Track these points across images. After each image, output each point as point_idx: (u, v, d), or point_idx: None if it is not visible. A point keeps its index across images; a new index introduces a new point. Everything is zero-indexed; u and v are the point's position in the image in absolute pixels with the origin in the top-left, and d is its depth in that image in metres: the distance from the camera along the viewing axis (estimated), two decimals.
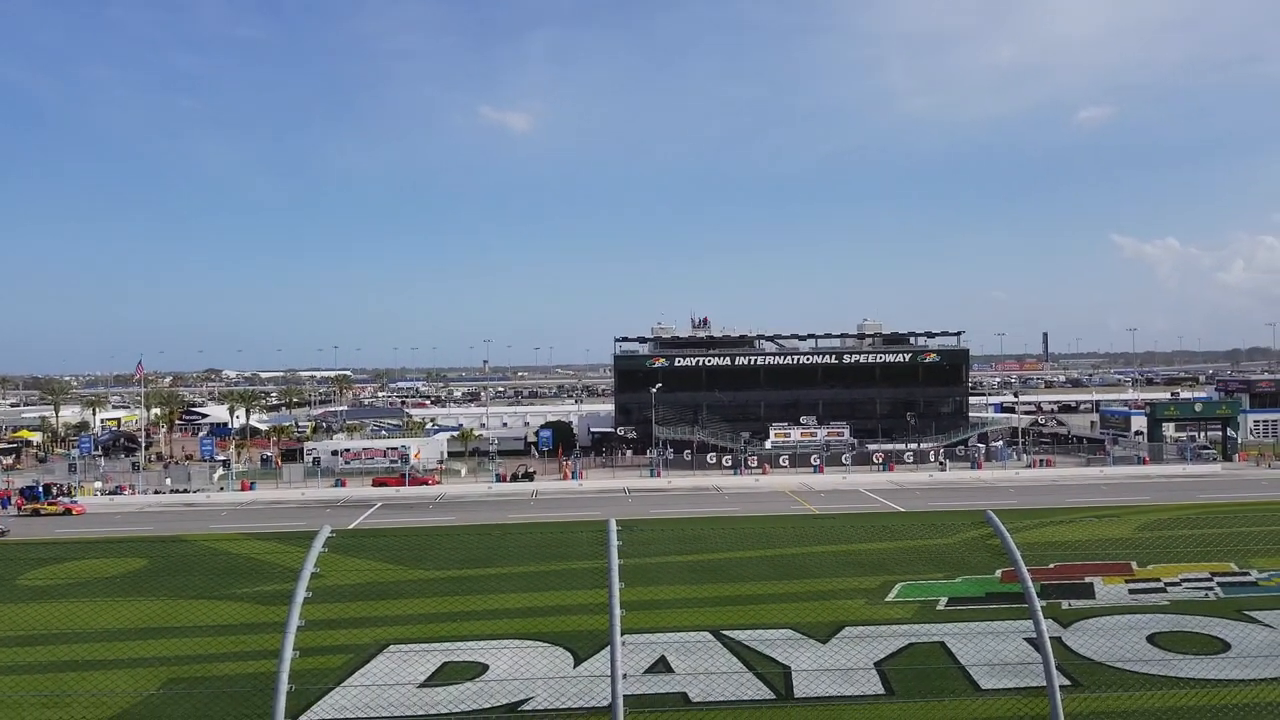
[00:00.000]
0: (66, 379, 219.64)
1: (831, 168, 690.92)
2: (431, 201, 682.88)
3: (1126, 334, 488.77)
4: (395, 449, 78.96)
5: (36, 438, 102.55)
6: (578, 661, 23.94)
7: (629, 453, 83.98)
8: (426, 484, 69.87)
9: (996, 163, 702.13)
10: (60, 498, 61.50)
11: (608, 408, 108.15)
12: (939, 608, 28.63)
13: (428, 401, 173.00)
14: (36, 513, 57.71)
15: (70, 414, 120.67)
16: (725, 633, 25.64)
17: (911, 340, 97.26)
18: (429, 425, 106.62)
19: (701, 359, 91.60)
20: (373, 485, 69.48)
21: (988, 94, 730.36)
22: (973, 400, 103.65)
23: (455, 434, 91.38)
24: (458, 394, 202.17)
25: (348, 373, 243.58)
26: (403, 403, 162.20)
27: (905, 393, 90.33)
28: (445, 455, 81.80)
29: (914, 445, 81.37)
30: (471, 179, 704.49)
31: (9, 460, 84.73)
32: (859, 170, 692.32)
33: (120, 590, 33.71)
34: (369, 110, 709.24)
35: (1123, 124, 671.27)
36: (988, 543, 30.64)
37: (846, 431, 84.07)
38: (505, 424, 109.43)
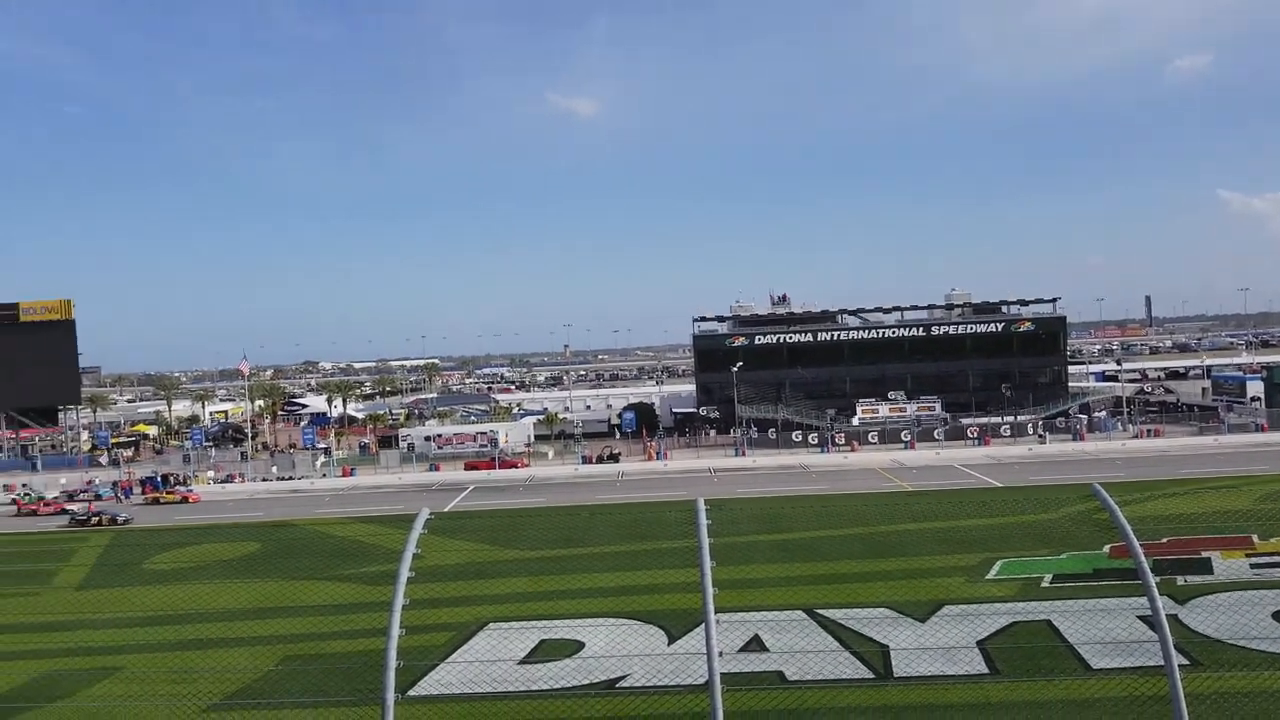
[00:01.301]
0: (177, 375, 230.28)
1: (907, 134, 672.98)
2: (506, 191, 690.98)
3: (1237, 295, 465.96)
4: (484, 433, 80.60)
5: (152, 431, 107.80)
6: (671, 640, 24.16)
7: (712, 433, 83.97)
8: (515, 467, 71.17)
9: (1082, 122, 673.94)
10: (177, 486, 64.65)
11: (689, 388, 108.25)
12: (1043, 585, 27.94)
13: (512, 387, 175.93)
14: (156, 501, 60.80)
15: (182, 408, 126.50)
16: (819, 611, 25.51)
17: (1003, 309, 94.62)
18: (515, 410, 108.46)
19: (782, 336, 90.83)
20: (465, 469, 71.11)
21: (1072, 49, 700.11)
22: (1072, 369, 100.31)
23: (540, 418, 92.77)
24: (540, 378, 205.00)
25: (435, 361, 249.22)
26: (489, 388, 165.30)
27: (999, 364, 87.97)
28: (532, 438, 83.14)
29: (1010, 418, 79.25)
30: (543, 166, 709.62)
31: (129, 453, 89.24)
32: (936, 136, 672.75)
33: (236, 573, 35.36)
34: (438, 103, 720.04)
35: (1223, 71, 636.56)
36: (1094, 517, 29.81)
37: (938, 406, 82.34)
38: (588, 407, 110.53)
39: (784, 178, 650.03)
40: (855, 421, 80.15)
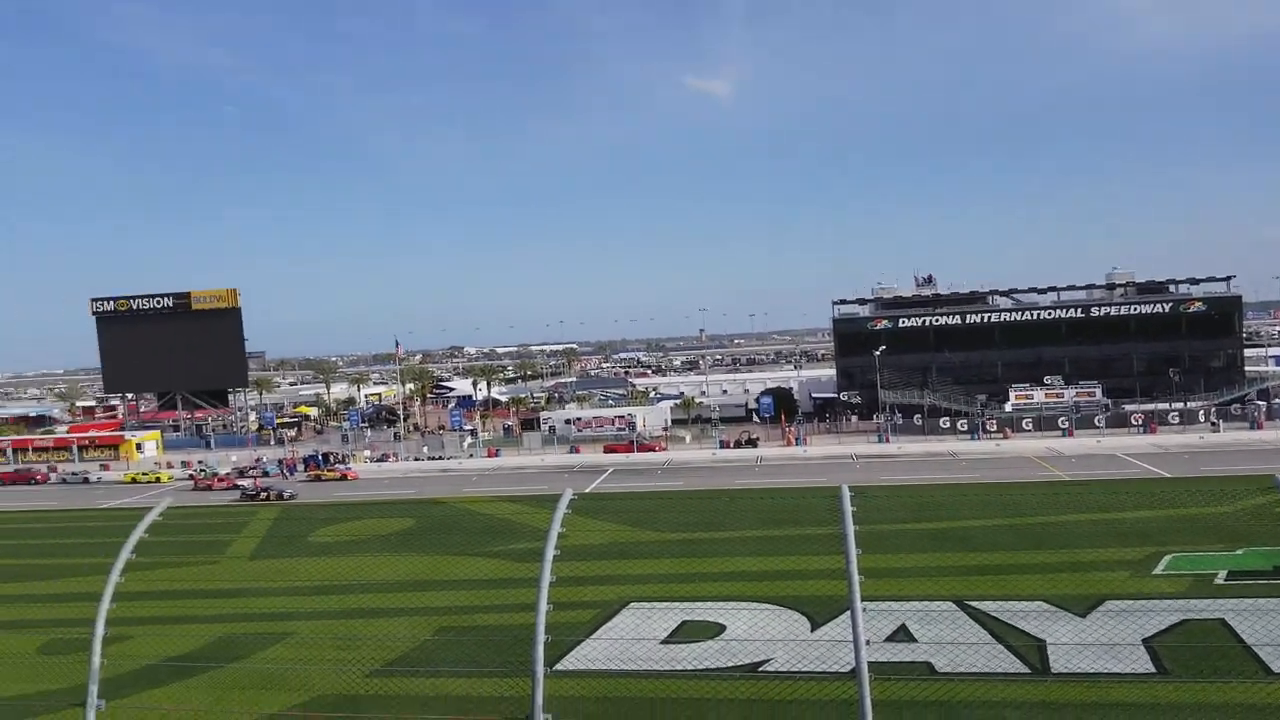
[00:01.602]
0: (334, 360, 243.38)
1: (1059, 104, 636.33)
2: (644, 176, 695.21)
3: None
4: (622, 417, 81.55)
5: (313, 412, 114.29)
6: (814, 626, 23.86)
7: (854, 418, 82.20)
8: (653, 450, 71.74)
9: (1256, 83, 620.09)
10: (336, 465, 68.35)
11: (828, 373, 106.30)
12: (1217, 582, 26.08)
13: (649, 371, 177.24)
14: (318, 478, 64.53)
15: (339, 391, 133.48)
16: (970, 603, 24.64)
17: (1171, 289, 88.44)
18: (651, 394, 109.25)
19: (928, 318, 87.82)
20: (604, 452, 72.23)
21: (1241, 6, 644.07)
22: (1249, 353, 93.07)
23: (677, 402, 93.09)
24: (677, 363, 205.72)
25: (574, 346, 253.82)
26: (625, 373, 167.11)
27: (1166, 347, 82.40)
28: (669, 422, 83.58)
29: (1179, 404, 74.20)
30: (680, 149, 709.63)
31: (292, 433, 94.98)
32: (1089, 106, 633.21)
33: (393, 547, 37.10)
34: (580, 91, 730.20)
35: None
36: (1277, 510, 27.58)
37: (1098, 391, 77.89)
38: (725, 391, 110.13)
39: (925, 154, 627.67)
40: (1008, 408, 76.79)
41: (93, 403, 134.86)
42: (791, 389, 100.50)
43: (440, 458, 73.33)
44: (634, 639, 23.60)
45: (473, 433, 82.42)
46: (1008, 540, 32.89)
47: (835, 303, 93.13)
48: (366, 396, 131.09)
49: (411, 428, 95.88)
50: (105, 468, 76.60)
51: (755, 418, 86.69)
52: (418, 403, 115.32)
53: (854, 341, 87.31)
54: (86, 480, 71.18)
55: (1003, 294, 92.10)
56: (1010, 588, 26.19)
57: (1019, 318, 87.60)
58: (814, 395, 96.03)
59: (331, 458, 71.21)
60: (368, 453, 75.33)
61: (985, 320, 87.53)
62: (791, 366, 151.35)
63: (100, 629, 11.83)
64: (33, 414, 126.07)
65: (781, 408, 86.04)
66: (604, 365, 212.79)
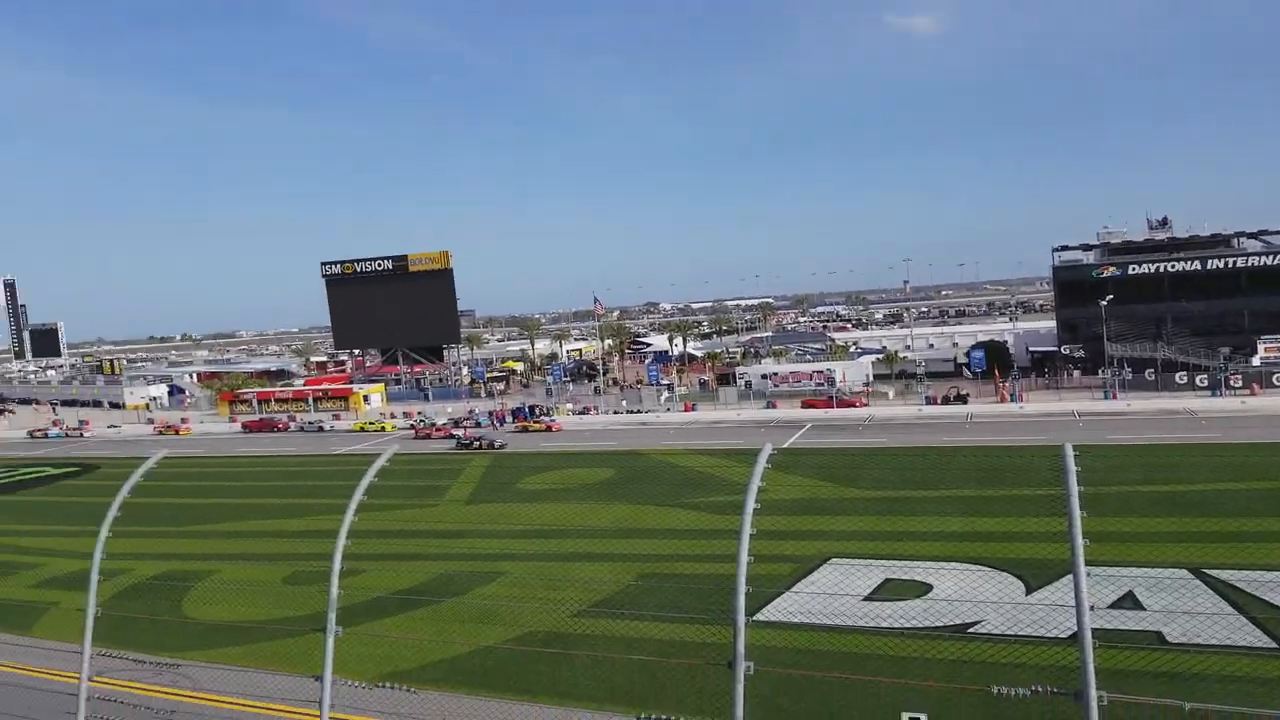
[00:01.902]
0: (537, 317, 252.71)
1: None
2: (843, 122, 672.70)
3: None
4: (821, 372, 80.00)
5: (519, 367, 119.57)
6: (1029, 589, 22.67)
7: (1075, 373, 76.67)
8: (854, 406, 70.03)
9: None
10: (542, 416, 71.28)
11: (1047, 324, 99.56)
12: None
13: (848, 325, 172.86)
14: (525, 429, 67.57)
15: (543, 346, 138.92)
16: (1208, 571, 22.58)
17: None
18: (852, 348, 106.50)
19: (1162, 264, 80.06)
20: (801, 407, 71.24)
21: None
22: None
23: (879, 356, 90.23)
24: (878, 316, 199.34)
25: (770, 300, 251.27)
26: (824, 327, 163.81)
27: None
28: (870, 378, 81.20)
29: None
30: (881, 92, 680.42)
31: (500, 386, 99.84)
32: None
33: (596, 496, 38.32)
34: (771, 42, 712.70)
35: None
36: None
37: None
38: (931, 345, 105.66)
39: (1151, 87, 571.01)
40: (1255, 361, 69.19)
41: (324, 359, 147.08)
42: (1005, 342, 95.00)
43: (638, 411, 74.85)
44: (834, 594, 23.25)
45: (669, 387, 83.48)
46: (1254, 506, 29.75)
47: (1056, 249, 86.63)
48: (568, 352, 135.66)
49: (610, 382, 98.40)
50: (337, 417, 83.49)
51: (965, 373, 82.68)
52: (616, 358, 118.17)
53: (1077, 290, 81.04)
54: (321, 429, 77.96)
55: (1250, 236, 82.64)
56: (1255, 556, 23.79)
57: (1270, 261, 78.30)
58: (1031, 349, 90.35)
59: (537, 410, 74.23)
60: (570, 406, 77.99)
61: (1230, 265, 78.80)
62: (1005, 318, 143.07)
63: (337, 563, 12.83)
64: (274, 369, 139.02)
65: (994, 362, 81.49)
66: (801, 319, 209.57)
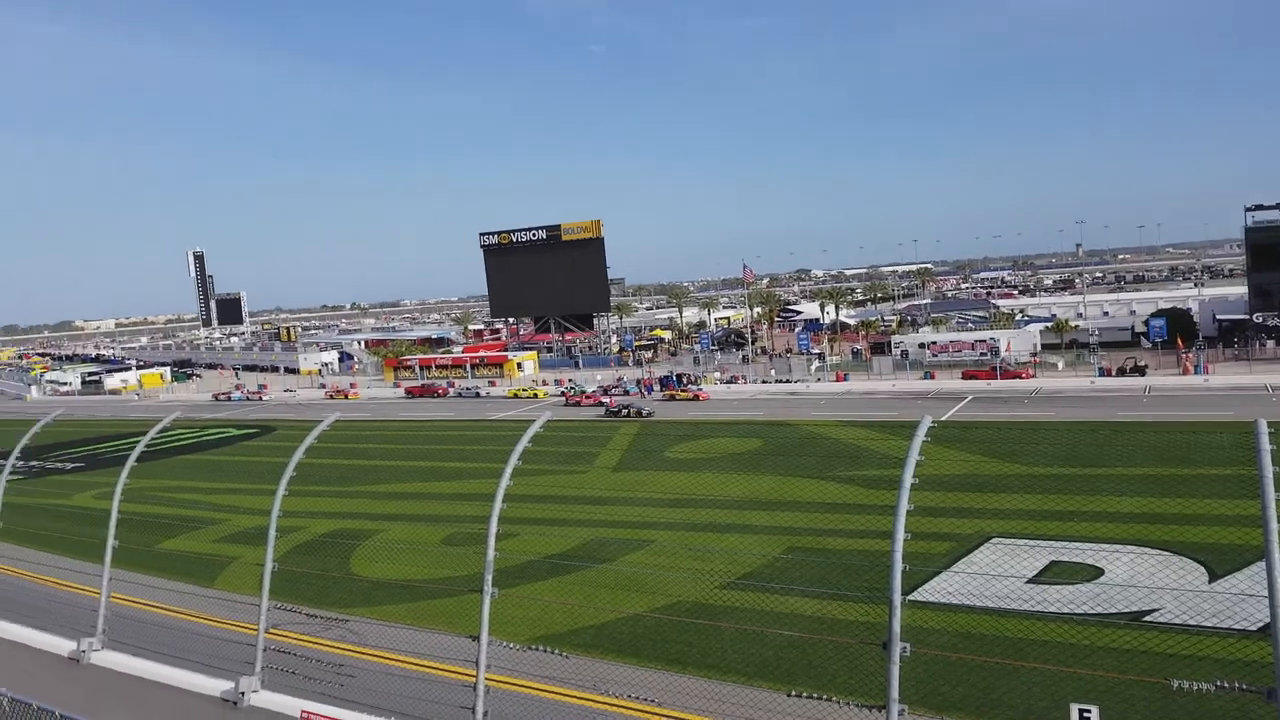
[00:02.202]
0: (686, 285, 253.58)
1: None
2: (1007, 75, 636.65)
3: None
4: (983, 341, 76.47)
5: (667, 335, 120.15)
6: (1213, 577, 20.99)
7: (1269, 343, 70.23)
8: (1019, 377, 66.56)
9: None
10: (689, 385, 71.34)
11: (1237, 290, 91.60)
12: None
13: (1014, 291, 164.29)
14: (672, 398, 67.81)
15: (690, 315, 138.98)
16: None
17: None
18: (1018, 316, 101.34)
19: None
20: (962, 378, 68.33)
21: None
22: None
23: (1048, 325, 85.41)
24: (1047, 282, 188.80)
25: (928, 266, 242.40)
26: (987, 294, 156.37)
27: None
28: (1038, 347, 76.94)
29: None
30: (1048, 42, 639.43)
31: (648, 354, 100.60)
32: None
33: (743, 466, 37.97)
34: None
35: None
36: None
37: None
38: (1106, 313, 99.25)
39: None
40: None
41: (481, 326, 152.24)
42: (1190, 310, 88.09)
43: (787, 381, 73.74)
44: (996, 575, 22.15)
45: (820, 356, 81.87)
46: None
47: (1249, 209, 79.26)
48: (716, 320, 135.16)
49: (759, 350, 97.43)
50: (492, 384, 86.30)
51: (1143, 342, 77.18)
52: (765, 326, 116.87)
53: (1272, 253, 74.02)
54: (478, 394, 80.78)
55: None
56: None
57: None
58: (1219, 317, 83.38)
59: (684, 379, 74.34)
60: (717, 374, 77.70)
61: None
62: (1190, 284, 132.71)
63: (494, 526, 13.09)
64: (434, 336, 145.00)
65: (1176, 331, 75.68)
66: (962, 286, 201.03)
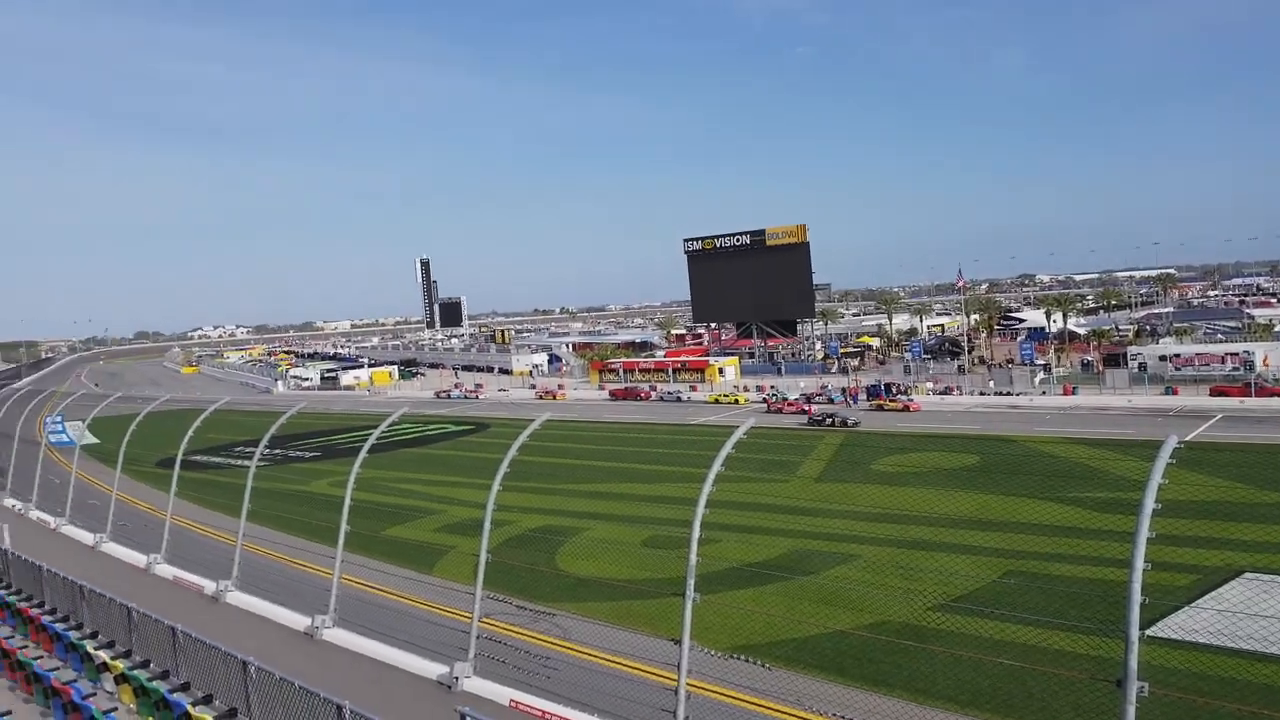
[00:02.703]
0: (896, 290, 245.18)
1: None
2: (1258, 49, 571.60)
3: None
4: (1236, 354, 68.94)
5: (875, 343, 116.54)
6: None
7: None
8: (1278, 395, 59.51)
9: None
10: (898, 395, 68.72)
11: None
12: None
13: (1273, 300, 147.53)
14: (880, 408, 65.58)
15: (900, 321, 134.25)
16: None
17: None
18: (1277, 328, 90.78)
19: None
20: (1210, 394, 61.89)
21: None
22: None
23: None
24: None
25: (1170, 271, 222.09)
26: (1240, 302, 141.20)
27: None
28: None
29: None
30: None
31: (855, 362, 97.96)
32: None
33: (956, 483, 36.03)
34: None
35: None
36: None
37: None
38: None
39: None
40: None
41: (683, 331, 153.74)
42: None
43: (1007, 393, 69.50)
44: (1249, 615, 19.80)
45: (1045, 367, 76.68)
46: None
47: None
48: (929, 327, 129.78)
49: (976, 360, 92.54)
50: (693, 388, 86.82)
51: None
52: (983, 334, 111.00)
53: None
54: (679, 399, 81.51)
55: None
56: None
57: None
58: None
59: (893, 388, 71.74)
60: (930, 384, 74.46)
61: None
62: None
63: (696, 531, 13.02)
64: (637, 340, 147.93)
65: None
66: (1210, 293, 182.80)
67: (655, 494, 37.73)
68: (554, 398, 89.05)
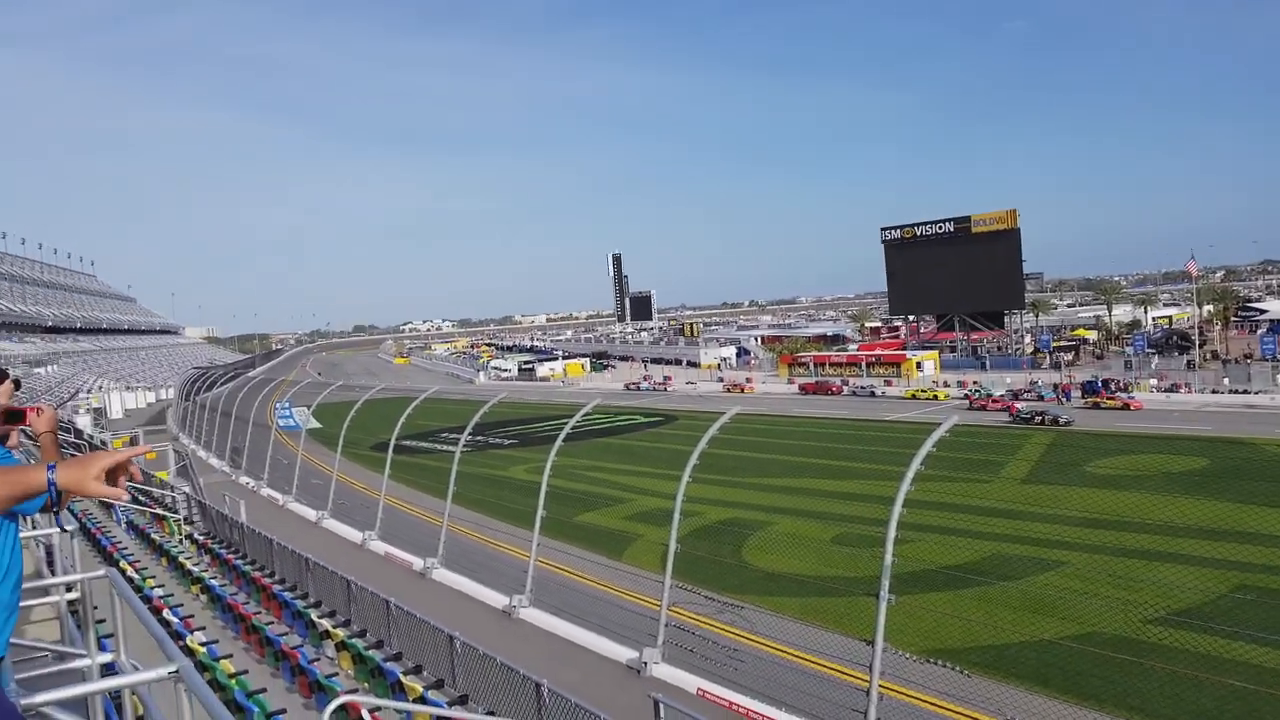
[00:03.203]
0: (1116, 279, 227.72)
1: None
2: None
3: None
4: None
5: (1091, 336, 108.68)
6: None
7: None
8: None
9: None
10: (1117, 393, 63.80)
11: None
12: None
13: None
14: (1096, 405, 61.05)
15: (1121, 313, 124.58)
16: None
17: None
18: None
19: None
20: None
21: None
22: None
23: None
24: None
25: None
26: None
27: None
28: None
29: None
30: None
31: (1068, 357, 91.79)
32: None
33: (1181, 488, 33.09)
34: None
35: None
36: None
37: None
38: None
39: None
40: None
41: (878, 324, 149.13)
42: None
43: (1244, 391, 62.99)
44: None
45: None
46: None
47: None
48: (1154, 319, 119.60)
49: (1209, 355, 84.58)
50: (888, 383, 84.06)
51: None
52: (1217, 326, 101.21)
53: None
54: (872, 394, 79.18)
55: None
56: None
57: None
58: None
59: (1112, 385, 66.71)
60: (1154, 381, 68.65)
61: None
62: None
63: (892, 530, 12.66)
64: (829, 333, 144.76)
65: None
66: None
67: (845, 491, 36.89)
68: (741, 391, 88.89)
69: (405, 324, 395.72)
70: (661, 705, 11.22)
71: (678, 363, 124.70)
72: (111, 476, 2.47)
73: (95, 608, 4.43)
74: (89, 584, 4.52)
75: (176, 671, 3.05)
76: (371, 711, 10.04)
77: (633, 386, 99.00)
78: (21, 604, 3.34)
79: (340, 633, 15.25)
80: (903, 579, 21.99)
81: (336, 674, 13.56)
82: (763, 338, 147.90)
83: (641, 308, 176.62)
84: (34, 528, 6.84)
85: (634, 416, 70.05)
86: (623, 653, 16.89)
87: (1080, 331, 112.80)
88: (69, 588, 5.33)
